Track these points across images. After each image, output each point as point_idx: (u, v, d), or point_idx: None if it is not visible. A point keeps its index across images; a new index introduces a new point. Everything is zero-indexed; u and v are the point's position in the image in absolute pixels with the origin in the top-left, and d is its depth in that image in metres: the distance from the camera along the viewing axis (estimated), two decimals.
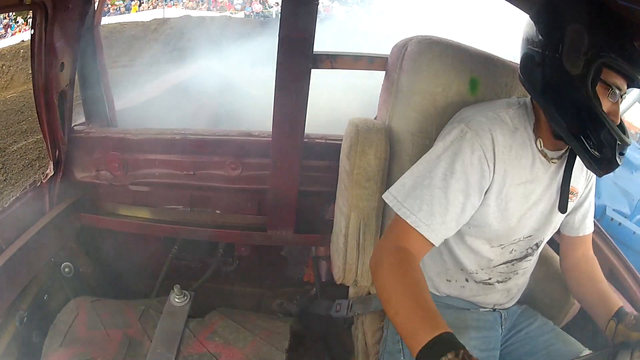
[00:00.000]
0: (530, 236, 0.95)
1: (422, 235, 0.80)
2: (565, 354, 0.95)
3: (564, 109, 0.80)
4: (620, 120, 0.82)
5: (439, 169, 0.82)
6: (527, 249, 0.97)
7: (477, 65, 1.02)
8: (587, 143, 0.79)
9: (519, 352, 1.01)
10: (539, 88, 0.82)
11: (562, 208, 0.93)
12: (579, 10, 0.77)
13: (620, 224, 3.49)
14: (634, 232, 3.49)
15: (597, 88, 0.77)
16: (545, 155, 0.89)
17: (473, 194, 0.83)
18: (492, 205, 0.87)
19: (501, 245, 0.93)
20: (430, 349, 0.62)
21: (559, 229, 1.02)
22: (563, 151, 0.90)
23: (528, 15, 0.86)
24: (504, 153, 0.84)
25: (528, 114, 0.88)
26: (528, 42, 0.83)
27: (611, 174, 0.83)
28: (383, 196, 0.86)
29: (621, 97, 0.80)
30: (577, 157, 0.86)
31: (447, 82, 1.01)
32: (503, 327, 1.02)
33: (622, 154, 0.81)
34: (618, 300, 0.94)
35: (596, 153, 0.79)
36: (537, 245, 0.98)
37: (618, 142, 0.79)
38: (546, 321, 1.06)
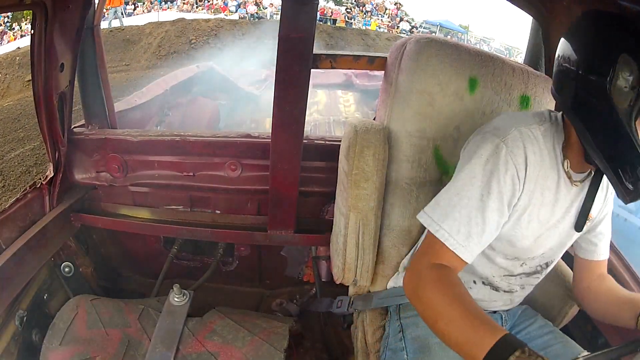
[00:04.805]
0: (543, 254, 0.95)
1: (458, 256, 0.80)
2: (563, 356, 0.95)
3: (601, 136, 0.77)
4: None
5: (475, 189, 0.81)
6: (537, 267, 0.97)
7: (475, 65, 1.03)
8: (624, 176, 0.77)
9: None
10: (570, 104, 0.80)
11: (579, 227, 0.93)
12: (630, 39, 0.72)
13: (626, 219, 3.49)
14: None
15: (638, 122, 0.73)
16: (569, 177, 0.87)
17: (505, 212, 0.83)
18: (513, 223, 0.86)
19: (516, 258, 0.94)
20: (496, 352, 0.63)
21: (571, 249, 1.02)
22: (586, 173, 0.88)
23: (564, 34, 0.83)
24: (534, 172, 0.83)
25: (558, 132, 0.86)
26: (564, 59, 0.80)
27: None
28: (417, 216, 0.85)
29: None
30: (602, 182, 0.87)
31: (444, 81, 1.01)
32: (503, 327, 1.01)
33: None
34: None
35: (630, 186, 0.77)
36: (547, 265, 0.98)
37: None
38: (546, 322, 1.06)
